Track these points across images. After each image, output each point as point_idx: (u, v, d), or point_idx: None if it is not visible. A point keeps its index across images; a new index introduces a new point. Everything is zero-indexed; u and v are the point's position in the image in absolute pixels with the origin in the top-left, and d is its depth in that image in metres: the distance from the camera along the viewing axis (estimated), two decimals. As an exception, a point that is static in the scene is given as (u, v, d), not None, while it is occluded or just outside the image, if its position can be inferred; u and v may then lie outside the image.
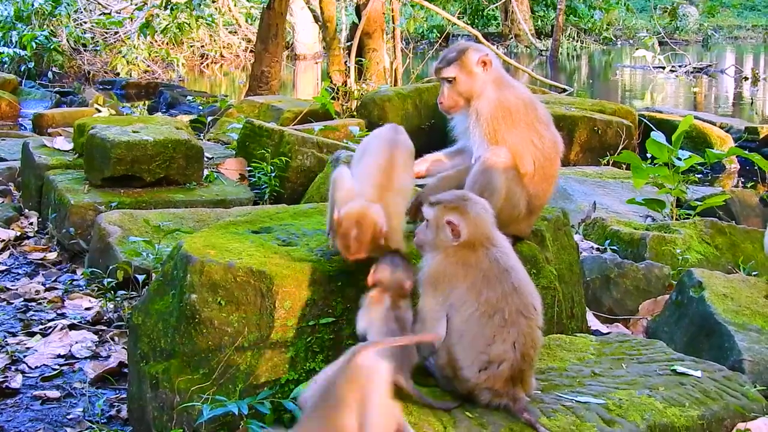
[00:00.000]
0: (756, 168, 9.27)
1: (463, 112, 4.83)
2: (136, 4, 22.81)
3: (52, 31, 23.58)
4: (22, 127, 15.27)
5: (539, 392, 4.11)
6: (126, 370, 5.19)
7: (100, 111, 13.51)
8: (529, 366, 3.93)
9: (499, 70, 4.88)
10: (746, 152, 9.20)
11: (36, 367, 5.78)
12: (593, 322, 6.07)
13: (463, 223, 4.03)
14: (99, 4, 26.65)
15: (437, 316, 3.98)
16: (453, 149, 5.02)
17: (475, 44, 4.98)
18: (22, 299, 6.93)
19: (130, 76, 23.46)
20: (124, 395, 5.17)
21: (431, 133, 12.65)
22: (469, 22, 37.51)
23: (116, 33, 25.42)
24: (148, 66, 24.88)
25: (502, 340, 3.88)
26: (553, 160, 4.91)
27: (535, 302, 3.98)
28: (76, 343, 6.10)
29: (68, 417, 5.13)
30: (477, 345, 3.91)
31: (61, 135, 10.40)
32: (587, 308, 5.97)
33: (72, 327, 6.34)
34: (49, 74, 22.49)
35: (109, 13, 25.93)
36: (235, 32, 30.43)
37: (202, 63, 29.21)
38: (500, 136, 4.70)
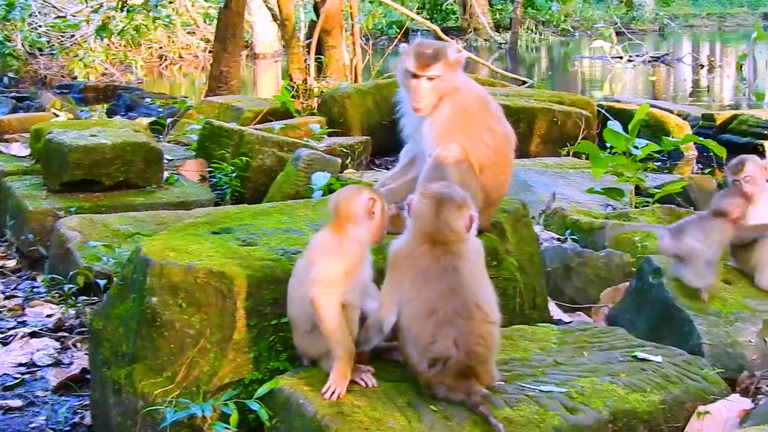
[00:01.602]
0: (713, 154, 9.33)
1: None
2: (91, 7, 22.65)
3: (6, 35, 23.39)
4: (-22, 135, 15.13)
5: (502, 383, 4.12)
6: (89, 377, 5.17)
7: (57, 115, 13.42)
8: (478, 362, 3.93)
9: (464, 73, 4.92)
10: (701, 139, 9.27)
11: (-3, 377, 5.74)
12: (555, 312, 6.10)
13: (416, 213, 4.05)
14: (54, 7, 26.46)
15: (388, 299, 4.01)
16: (402, 165, 5.06)
17: (445, 42, 5.00)
18: (-18, 308, 6.88)
19: (88, 79, 23.28)
20: (88, 402, 5.15)
21: (392, 128, 12.63)
22: (427, 17, 37.51)
23: (72, 36, 25.24)
24: (106, 69, 24.71)
25: (442, 339, 3.89)
26: (506, 154, 4.94)
27: (478, 300, 3.96)
28: (38, 350, 6.06)
29: (31, 426, 5.10)
30: (421, 343, 3.93)
31: (17, 141, 10.34)
32: (549, 298, 6.00)
33: (33, 335, 6.29)
34: (5, 79, 22.32)
35: (65, 17, 25.73)
36: (194, 33, 30.30)
37: (160, 64, 29.06)
38: (453, 135, 4.73)
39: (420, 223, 4.04)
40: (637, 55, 29.34)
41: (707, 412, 4.27)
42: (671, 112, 14.51)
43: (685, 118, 14.32)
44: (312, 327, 4.06)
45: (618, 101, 15.57)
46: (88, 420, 5.04)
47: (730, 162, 5.84)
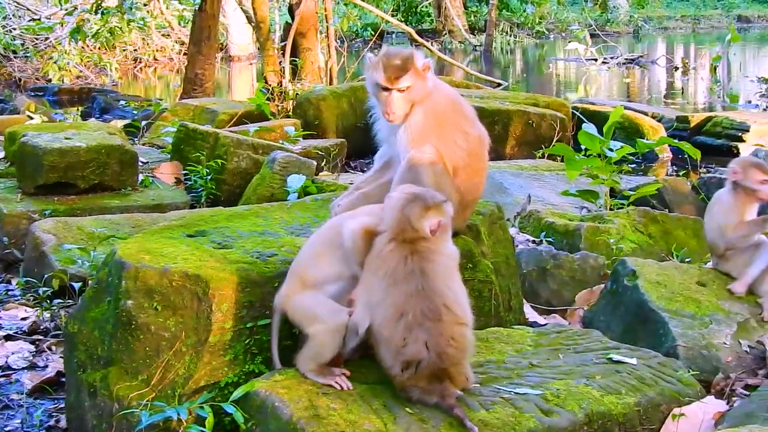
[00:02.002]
0: (687, 156, 9.37)
1: None
2: (66, 10, 22.56)
3: (-20, 38, 23.31)
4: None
5: (478, 385, 4.13)
6: (64, 380, 5.15)
7: (32, 118, 13.38)
8: (451, 364, 3.93)
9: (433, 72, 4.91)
10: (676, 141, 9.30)
11: (-28, 380, 5.71)
12: (531, 314, 6.12)
13: (388, 213, 4.07)
14: (28, 10, 26.37)
15: (362, 301, 4.03)
16: (376, 169, 5.08)
17: (409, 48, 4.99)
18: (-44, 312, 6.84)
19: (62, 82, 23.20)
20: (63, 405, 5.12)
21: (367, 131, 12.64)
22: (402, 19, 37.56)
23: (47, 39, 25.15)
24: (81, 71, 24.64)
25: (413, 342, 3.89)
26: (480, 156, 4.95)
27: (447, 302, 3.95)
28: (13, 354, 6.03)
29: (6, 429, 5.08)
30: (392, 346, 3.93)
31: (-8, 144, 10.29)
32: (524, 300, 6.01)
33: (8, 338, 6.26)
34: (-21, 82, 22.24)
35: (39, 19, 25.62)
36: (168, 35, 30.25)
37: (135, 67, 29.00)
38: (426, 139, 4.74)
39: (388, 220, 4.06)
40: (611, 57, 29.44)
41: (682, 414, 4.29)
42: (646, 114, 14.55)
43: (659, 120, 14.38)
44: None
45: (593, 103, 15.60)
46: (63, 423, 5.02)
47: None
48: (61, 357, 5.82)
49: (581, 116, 13.54)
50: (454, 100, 4.93)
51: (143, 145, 12.54)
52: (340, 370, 4.09)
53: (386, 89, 4.73)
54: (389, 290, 3.95)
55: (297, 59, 17.83)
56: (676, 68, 27.13)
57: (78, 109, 18.76)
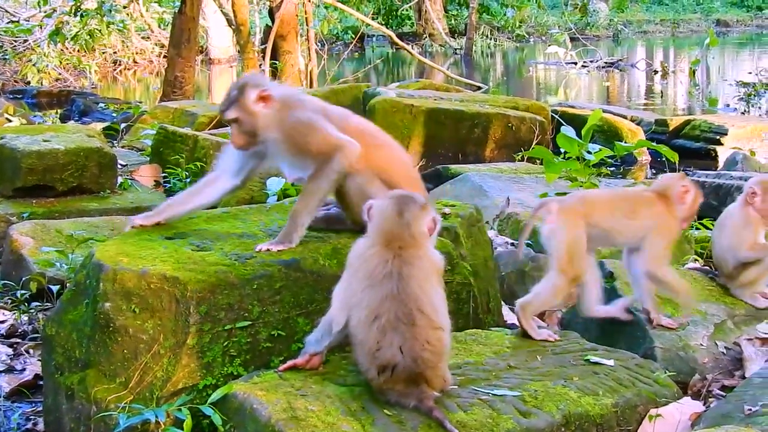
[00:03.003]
0: (666, 159, 9.39)
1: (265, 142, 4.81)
2: (45, 12, 22.52)
3: (-41, 40, 23.23)
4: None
5: (456, 387, 4.14)
6: (41, 383, 5.13)
7: (10, 121, 13.36)
8: (427, 367, 3.91)
9: (285, 95, 4.84)
10: (655, 144, 9.33)
11: (-50, 383, 5.69)
12: (509, 316, 6.11)
13: (372, 214, 4.08)
14: (7, 12, 26.30)
15: (340, 300, 4.04)
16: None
17: (255, 77, 4.93)
18: (-67, 315, 6.82)
19: (41, 84, 23.15)
20: (41, 408, 5.10)
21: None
22: (383, 22, 37.63)
23: (26, 41, 25.08)
24: (60, 74, 24.58)
25: (387, 346, 3.89)
26: (374, 136, 4.93)
27: (422, 306, 3.93)
28: (-9, 356, 6.02)
29: (-16, 432, 5.07)
30: (367, 349, 3.93)
31: (-30, 146, 10.24)
32: (503, 302, 6.03)
33: (-14, 341, 6.25)
34: (-42, 84, 22.17)
35: (18, 21, 25.58)
36: (148, 38, 30.20)
37: (115, 69, 28.95)
38: (303, 155, 4.73)
39: (381, 225, 4.05)
40: (591, 61, 29.56)
41: (659, 415, 4.31)
42: (625, 117, 14.62)
43: (638, 124, 14.44)
44: None
45: (572, 107, 15.67)
46: (41, 426, 5.00)
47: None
48: (38, 360, 5.80)
49: (560, 119, 13.57)
50: (320, 112, 4.86)
51: (122, 147, 12.52)
52: None
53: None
54: (366, 292, 3.95)
55: (277, 62, 17.86)
56: (656, 72, 27.26)
57: (57, 112, 18.74)
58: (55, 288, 6.38)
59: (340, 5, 22.20)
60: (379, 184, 4.69)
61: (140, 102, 18.89)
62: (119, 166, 9.46)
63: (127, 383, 4.29)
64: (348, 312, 4.01)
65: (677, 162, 8.90)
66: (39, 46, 24.54)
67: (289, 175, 4.90)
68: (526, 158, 11.74)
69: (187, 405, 4.16)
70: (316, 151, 4.67)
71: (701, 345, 5.29)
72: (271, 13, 18.91)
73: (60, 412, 4.52)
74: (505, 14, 41.86)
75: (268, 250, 4.60)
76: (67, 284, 5.78)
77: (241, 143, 4.79)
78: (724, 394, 4.93)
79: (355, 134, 4.79)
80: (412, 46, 32.32)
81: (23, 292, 6.59)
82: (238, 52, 22.86)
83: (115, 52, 29.11)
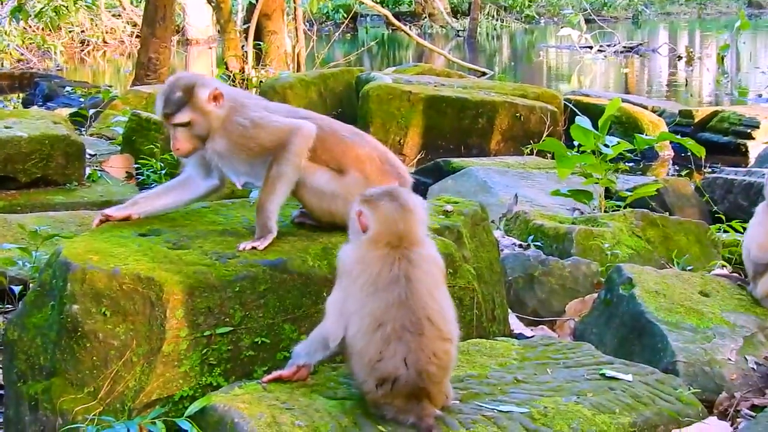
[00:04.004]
0: (691, 154, 9.42)
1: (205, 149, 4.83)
2: (5, -14, 22.53)
3: None
4: None
5: (458, 402, 4.15)
6: (2, 392, 5.15)
7: (-33, 106, 13.34)
8: (431, 382, 3.91)
9: (231, 95, 4.88)
10: (678, 137, 9.36)
11: None
12: (516, 325, 6.14)
13: (372, 217, 4.05)
14: (-37, -14, 26.28)
15: (335, 311, 4.03)
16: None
17: (200, 77, 4.94)
18: None
19: (2, 66, 23.15)
20: (1, 420, 5.12)
21: (339, 121, 12.64)
22: (378, 0, 37.61)
23: (-16, 18, 25.09)
24: (22, 54, 24.57)
25: (390, 357, 3.88)
26: (335, 132, 4.93)
27: (431, 315, 3.94)
28: (-55, 363, 6.02)
29: (-62, 446, 5.08)
30: (365, 360, 3.92)
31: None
32: (509, 310, 6.04)
33: (-60, 346, 6.25)
34: None
35: (-25, -4, 25.57)
36: (119, 15, 30.20)
37: (82, 50, 28.94)
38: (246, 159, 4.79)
39: (382, 225, 4.04)
40: (608, 45, 29.58)
41: (681, 436, 4.32)
42: (645, 107, 14.66)
43: (660, 115, 14.47)
44: None
45: (587, 95, 15.70)
46: (0, 440, 5.03)
47: None
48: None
49: (574, 109, 13.60)
50: (255, 113, 4.88)
51: (91, 135, 12.53)
52: None
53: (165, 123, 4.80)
54: (369, 298, 3.93)
55: (261, 43, 17.87)
56: (680, 58, 27.28)
57: (19, 96, 18.74)
58: (17, 289, 6.39)
59: (331, -19, 22.24)
60: (340, 180, 4.72)
61: (110, 86, 18.86)
62: (87, 156, 9.48)
63: (96, 393, 4.30)
64: (345, 322, 4.00)
65: (703, 157, 8.93)
66: (0, 25, 24.52)
67: (237, 182, 4.91)
68: (535, 152, 11.76)
69: (162, 418, 4.17)
70: (270, 145, 4.70)
71: (729, 359, 5.29)
72: (256, -11, 18.92)
73: (23, 424, 4.52)
74: (513, -8, 41.87)
75: (253, 248, 4.62)
76: (31, 285, 5.80)
77: (188, 149, 4.80)
78: (753, 414, 4.92)
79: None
80: (410, 27, 32.39)
81: (-19, 293, 6.60)
82: (218, 32, 22.89)
83: (82, 31, 29.11)
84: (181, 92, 4.73)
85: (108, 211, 5.00)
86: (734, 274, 6.51)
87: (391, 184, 4.44)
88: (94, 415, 4.25)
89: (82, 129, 13.17)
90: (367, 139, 4.99)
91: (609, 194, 8.95)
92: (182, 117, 4.72)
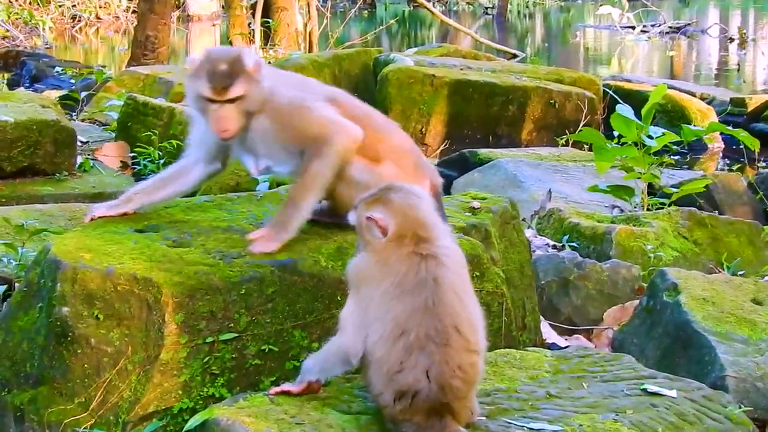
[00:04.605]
0: (743, 147, 9.39)
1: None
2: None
3: None
4: None
5: (484, 418, 4.14)
6: (-16, 402, 5.18)
7: (-52, 87, 13.40)
8: (455, 398, 3.87)
9: (267, 67, 4.91)
10: (729, 128, 9.34)
11: None
12: (549, 334, 6.14)
13: (388, 214, 4.04)
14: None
15: (354, 324, 4.01)
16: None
17: (234, 48, 4.95)
18: None
19: (-15, 43, 23.22)
20: (-18, 432, 5.15)
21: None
22: (399, -26, 37.63)
23: (-34, -9, 25.18)
24: (7, 31, 24.64)
25: (411, 368, 3.85)
26: (369, 116, 4.98)
27: (458, 323, 3.91)
28: None
29: None
30: (384, 371, 3.89)
31: None
32: (542, 317, 6.04)
33: None
34: None
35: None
36: (114, -12, 30.24)
37: (73, 26, 29.02)
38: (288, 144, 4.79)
39: (405, 223, 4.02)
40: (652, 25, 29.53)
41: (730, 457, 4.32)
42: (693, 95, 14.62)
43: (709, 103, 14.44)
44: None
45: (628, 81, 15.66)
46: (-19, 455, 5.05)
47: None
48: (-20, 375, 5.84)
49: (614, 96, 13.58)
50: (299, 93, 4.89)
51: (83, 121, 12.57)
52: None
53: (213, 101, 4.69)
54: (393, 302, 3.90)
55: (270, 20, 17.87)
56: (731, 40, 27.22)
57: (4, 77, 18.79)
58: (1, 288, 6.41)
59: (348, -47, 22.26)
60: (375, 169, 4.73)
61: (104, 66, 18.91)
62: (79, 144, 9.50)
63: (87, 404, 4.32)
64: (365, 334, 3.97)
65: (757, 150, 8.90)
66: (-18, -2, 24.62)
67: (255, 168, 4.90)
68: (571, 143, 11.75)
69: (159, 432, 4.19)
70: (312, 135, 4.69)
71: (783, 374, 5.28)
72: (264, -39, 18.93)
73: (6, 438, 4.55)
74: (548, -33, 41.84)
75: (261, 251, 4.62)
76: (17, 284, 5.81)
77: (237, 128, 4.74)
78: (809, 433, 4.94)
79: (350, 117, 4.84)
80: (434, 3, 32.38)
81: (-39, 292, 6.63)
82: (223, 7, 22.93)
83: (74, 6, 29.19)
84: (227, 64, 4.68)
85: (99, 211, 5.01)
86: (792, 281, 6.51)
87: (423, 183, 4.47)
88: (84, 428, 4.27)
89: (73, 113, 13.21)
90: (400, 130, 5.01)
91: (652, 190, 8.94)
92: (237, 90, 4.66)
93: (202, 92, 4.67)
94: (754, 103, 14.46)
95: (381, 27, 28.04)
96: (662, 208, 8.24)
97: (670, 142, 8.57)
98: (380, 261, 3.97)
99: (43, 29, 25.88)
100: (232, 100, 4.67)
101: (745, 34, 27.40)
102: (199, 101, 4.72)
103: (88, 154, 9.75)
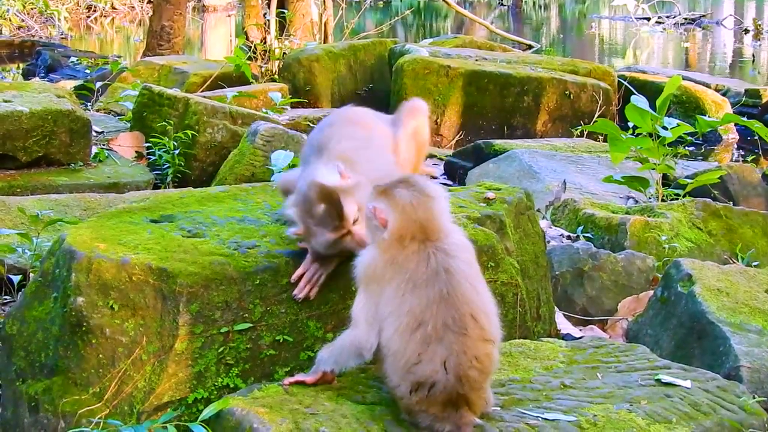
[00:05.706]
0: (758, 138, 9.38)
1: None
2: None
3: None
4: None
5: (498, 409, 4.13)
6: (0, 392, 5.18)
7: (-37, 77, 13.41)
8: (471, 389, 3.88)
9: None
10: (744, 119, 9.31)
11: None
12: (563, 325, 6.14)
13: (389, 209, 4.02)
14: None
15: (366, 318, 4.00)
16: None
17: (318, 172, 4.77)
18: None
19: (1, 33, 23.22)
20: (-2, 421, 5.16)
21: (369, 99, 12.69)
22: (414, -36, 37.59)
23: (-19, -19, 25.20)
24: (23, 21, 24.66)
25: (428, 359, 3.84)
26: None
27: (475, 312, 3.91)
28: (-62, 359, 6.05)
29: (-71, 450, 5.11)
30: (401, 363, 3.88)
31: None
32: (556, 308, 6.03)
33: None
34: None
35: (-28, -43, 25.67)
36: (129, -21, 30.27)
37: (88, 16, 29.03)
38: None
39: (410, 217, 4.00)
40: (667, 16, 29.47)
41: (745, 449, 4.31)
42: (708, 86, 14.59)
43: (724, 94, 14.41)
44: None
45: (643, 72, 15.65)
46: (-4, 444, 5.05)
47: None
48: (-5, 364, 5.85)
49: (629, 87, 13.57)
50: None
51: (98, 111, 12.57)
52: None
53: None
54: (407, 296, 3.89)
55: (285, 11, 17.84)
56: (747, 31, 27.16)
57: (19, 67, 18.83)
58: (16, 278, 6.42)
59: (363, -57, 22.24)
60: None
61: (119, 56, 18.94)
62: (94, 134, 9.50)
63: (101, 394, 4.32)
64: (378, 327, 3.97)
65: (772, 142, 8.87)
66: (-2, -12, 24.65)
67: None
68: (586, 133, 11.74)
69: (174, 422, 4.18)
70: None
71: (798, 365, 5.27)
72: (280, -49, 18.91)
73: (21, 427, 4.54)
74: (563, -43, 41.76)
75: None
76: (31, 274, 5.84)
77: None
78: (824, 425, 4.92)
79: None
80: (450, -6, 32.32)
81: (-24, 282, 6.64)
82: (238, -3, 22.86)
83: (89, -5, 29.18)
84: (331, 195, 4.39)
85: None
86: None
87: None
88: (99, 418, 4.27)
89: (88, 104, 13.21)
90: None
91: (667, 181, 8.93)
92: (353, 214, 4.42)
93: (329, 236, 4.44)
94: (769, 94, 14.44)
95: (396, 18, 28.03)
96: (677, 199, 8.22)
97: (684, 133, 8.54)
98: (388, 260, 3.95)
99: (59, 19, 25.89)
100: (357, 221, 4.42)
101: (760, 25, 27.31)
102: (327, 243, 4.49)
103: (103, 144, 9.75)
